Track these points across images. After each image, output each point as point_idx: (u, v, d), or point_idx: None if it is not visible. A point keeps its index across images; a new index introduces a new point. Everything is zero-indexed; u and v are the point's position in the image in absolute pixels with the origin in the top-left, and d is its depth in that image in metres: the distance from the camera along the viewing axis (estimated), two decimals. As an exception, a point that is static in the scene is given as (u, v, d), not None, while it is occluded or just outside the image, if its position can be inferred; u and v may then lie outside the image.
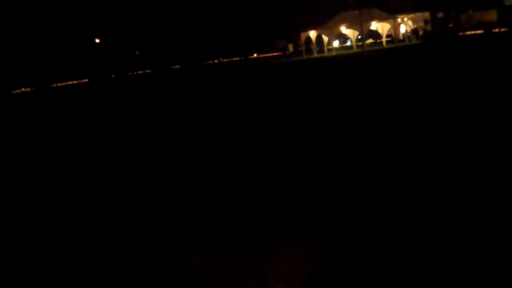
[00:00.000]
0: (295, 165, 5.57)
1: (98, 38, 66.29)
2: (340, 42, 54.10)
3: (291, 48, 54.15)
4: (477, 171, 4.64)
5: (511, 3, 48.54)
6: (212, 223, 4.02)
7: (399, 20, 46.83)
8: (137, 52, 72.40)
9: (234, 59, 63.21)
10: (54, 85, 60.98)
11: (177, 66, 64.89)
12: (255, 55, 65.12)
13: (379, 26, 47.28)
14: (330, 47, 48.74)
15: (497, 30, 47.28)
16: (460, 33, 50.33)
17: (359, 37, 46.41)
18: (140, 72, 67.37)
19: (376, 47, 45.03)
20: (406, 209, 3.98)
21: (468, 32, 50.17)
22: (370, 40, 50.06)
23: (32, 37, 59.48)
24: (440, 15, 53.59)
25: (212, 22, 66.37)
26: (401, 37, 47.73)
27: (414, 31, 49.10)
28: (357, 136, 6.73)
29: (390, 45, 44.91)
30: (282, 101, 12.64)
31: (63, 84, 61.34)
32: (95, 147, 8.84)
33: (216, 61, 62.35)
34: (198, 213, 4.21)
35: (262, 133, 8.05)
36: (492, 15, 50.87)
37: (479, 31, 48.97)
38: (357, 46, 46.90)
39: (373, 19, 45.37)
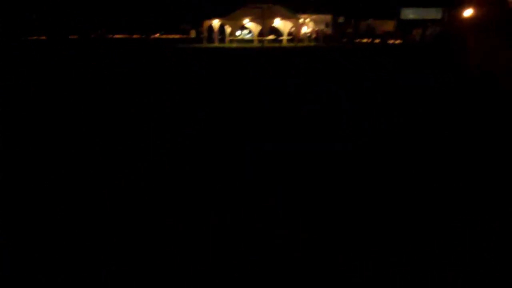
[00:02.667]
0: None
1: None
2: (243, 35, 54.42)
3: (193, 34, 53.72)
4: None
5: (406, 17, 50.82)
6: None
7: (301, 20, 47.63)
8: (33, 16, 68.90)
9: (134, 36, 61.78)
10: None
11: (75, 36, 62.36)
12: (157, 35, 63.93)
13: (282, 24, 47.91)
14: (232, 38, 48.79)
15: (392, 41, 49.40)
16: (358, 40, 52.13)
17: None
18: (35, 37, 64.13)
19: (276, 44, 45.61)
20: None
21: (365, 40, 52.07)
22: (272, 36, 50.63)
23: None
24: (341, 19, 55.23)
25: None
26: (302, 37, 48.60)
27: (315, 33, 50.27)
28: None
29: (290, 44, 45.67)
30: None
31: None
32: None
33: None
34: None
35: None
36: (390, 26, 53.10)
37: (376, 40, 50.94)
38: (259, 41, 47.25)
39: (276, 16, 45.85)
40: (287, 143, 6.68)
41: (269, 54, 30.54)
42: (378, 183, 4.90)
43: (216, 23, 48.11)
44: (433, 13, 50.55)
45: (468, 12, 35.07)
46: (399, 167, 5.40)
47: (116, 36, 64.15)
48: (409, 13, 51.20)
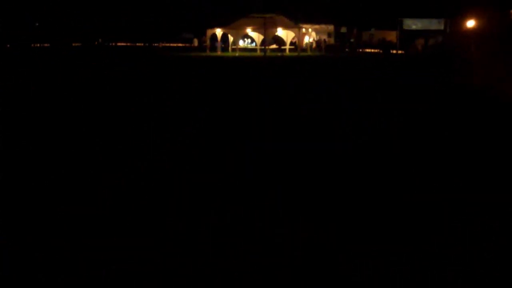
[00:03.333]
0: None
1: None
2: (246, 43, 54.64)
3: (196, 42, 53.83)
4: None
5: (409, 28, 50.87)
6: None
7: (303, 30, 47.76)
8: (36, 24, 69.17)
9: (137, 44, 61.82)
10: None
11: (78, 44, 62.51)
12: (160, 43, 64.09)
13: (284, 34, 48.04)
14: (234, 46, 48.90)
15: (394, 51, 49.44)
16: (360, 50, 52.21)
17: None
18: (38, 45, 64.31)
19: (278, 53, 45.70)
20: None
21: (368, 50, 52.15)
22: (274, 46, 50.73)
23: None
24: (343, 29, 55.37)
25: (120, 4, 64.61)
26: (304, 46, 48.72)
27: (317, 42, 50.39)
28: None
29: (292, 53, 45.78)
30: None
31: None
32: None
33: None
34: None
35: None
36: (392, 36, 53.12)
37: (378, 50, 51.00)
38: (261, 50, 47.36)
39: (278, 25, 45.97)
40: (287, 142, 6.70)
41: (272, 63, 30.64)
42: (377, 181, 4.94)
43: (219, 32, 48.23)
44: (435, 24, 50.58)
45: (469, 24, 34.92)
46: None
47: (119, 43, 64.27)
48: (411, 24, 51.22)
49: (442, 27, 49.81)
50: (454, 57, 21.77)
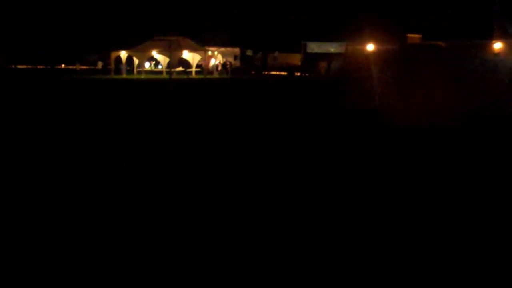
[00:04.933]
0: None
1: None
2: (151, 66, 54.25)
3: (100, 65, 52.71)
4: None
5: (312, 51, 52.27)
6: None
7: (209, 52, 48.04)
8: None
9: (38, 67, 59.67)
10: None
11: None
12: (62, 65, 62.33)
13: (190, 56, 48.10)
14: (140, 69, 48.38)
15: (299, 74, 50.62)
16: (266, 72, 53.07)
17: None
18: None
19: (184, 76, 45.59)
20: None
21: (273, 72, 53.08)
22: (180, 68, 50.57)
23: None
24: (249, 52, 56.19)
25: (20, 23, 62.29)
26: (210, 69, 48.93)
27: (223, 65, 50.80)
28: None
29: (198, 76, 45.86)
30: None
31: None
32: None
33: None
34: None
35: None
36: (296, 59, 54.42)
37: (283, 72, 52.04)
38: (167, 72, 47.12)
39: (183, 48, 45.97)
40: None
41: (176, 85, 30.60)
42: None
43: (123, 54, 47.59)
44: (337, 47, 52.13)
45: (368, 47, 36.11)
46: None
47: (19, 66, 61.78)
48: (315, 47, 52.72)
49: (343, 50, 51.36)
50: (349, 80, 22.48)
